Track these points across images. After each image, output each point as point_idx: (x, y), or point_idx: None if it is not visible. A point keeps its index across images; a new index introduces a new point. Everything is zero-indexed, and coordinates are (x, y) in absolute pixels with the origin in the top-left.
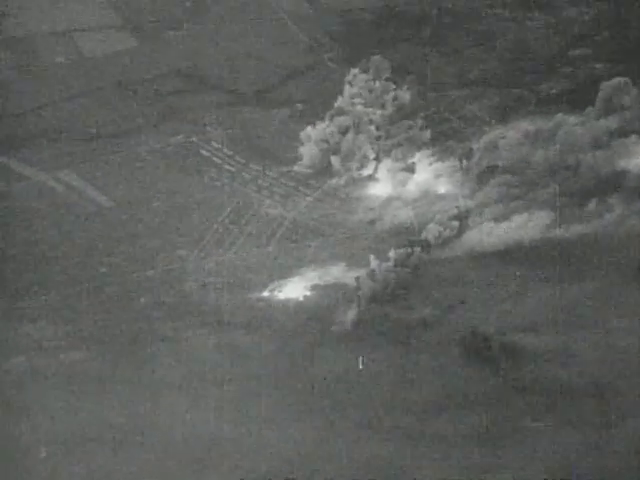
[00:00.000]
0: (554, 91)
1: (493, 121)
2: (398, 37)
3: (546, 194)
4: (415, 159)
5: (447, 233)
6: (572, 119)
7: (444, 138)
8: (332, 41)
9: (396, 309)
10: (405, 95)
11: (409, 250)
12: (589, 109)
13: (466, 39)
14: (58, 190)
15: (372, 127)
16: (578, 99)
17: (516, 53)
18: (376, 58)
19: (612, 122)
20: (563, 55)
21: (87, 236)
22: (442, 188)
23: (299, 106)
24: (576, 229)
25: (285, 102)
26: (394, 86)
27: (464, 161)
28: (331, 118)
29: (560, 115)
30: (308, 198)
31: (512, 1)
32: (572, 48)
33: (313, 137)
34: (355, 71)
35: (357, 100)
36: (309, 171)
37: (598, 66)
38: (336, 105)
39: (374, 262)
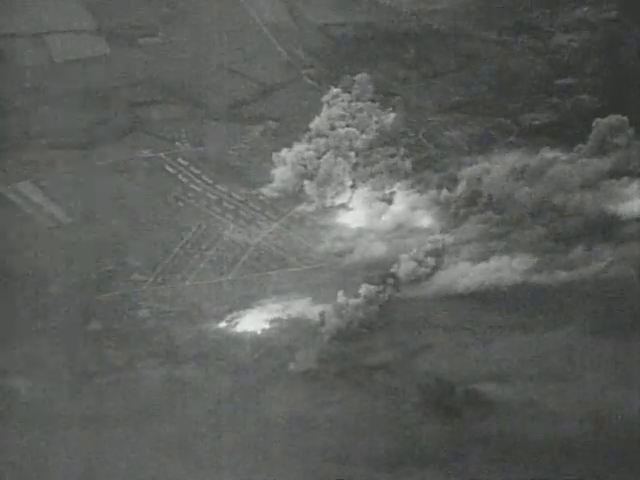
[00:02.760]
0: (537, 122)
1: (473, 151)
2: (380, 56)
3: (529, 236)
4: (394, 189)
5: (422, 270)
6: (561, 156)
7: (421, 167)
8: (311, 57)
9: (358, 350)
10: (388, 119)
11: (380, 287)
12: (579, 146)
13: (450, 61)
14: (15, 202)
15: (352, 153)
16: (562, 132)
17: (500, 79)
18: (361, 76)
19: (606, 163)
20: (549, 84)
21: (41, 254)
22: (418, 221)
23: (272, 124)
24: (559, 276)
25: (258, 119)
26: (378, 109)
27: (444, 192)
28: (309, 140)
29: (546, 149)
30: (274, 224)
31: (500, 24)
32: (558, 77)
33: (289, 159)
34: (336, 90)
35: (337, 122)
36: (277, 195)
37: (584, 97)
38: (313, 126)
39: (342, 297)
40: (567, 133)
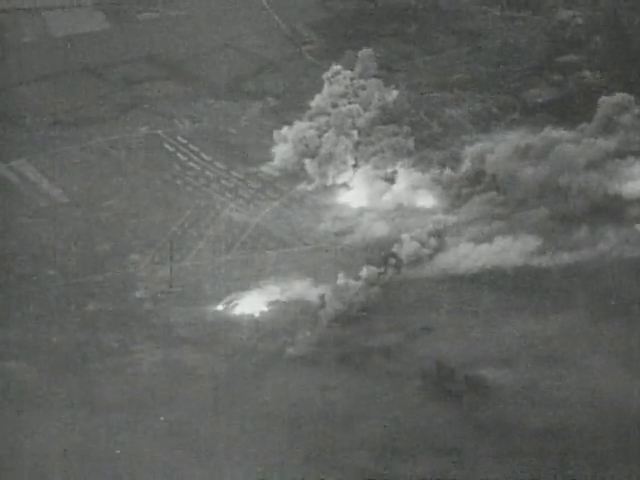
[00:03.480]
0: (540, 100)
1: (475, 129)
2: (381, 32)
3: (533, 217)
4: (396, 168)
5: (423, 251)
6: (565, 135)
7: (422, 146)
8: (312, 32)
9: (358, 333)
10: (390, 96)
11: (382, 268)
12: (583, 125)
13: (452, 37)
14: (11, 181)
15: (354, 131)
16: (565, 110)
17: (503, 56)
18: (365, 52)
19: (611, 142)
20: (552, 61)
21: (37, 233)
22: (420, 201)
23: (272, 101)
24: (562, 258)
25: (258, 95)
26: (382, 85)
27: (446, 172)
28: (311, 118)
29: (549, 128)
30: (274, 203)
31: (503, 0)
32: (562, 54)
33: (290, 137)
34: (337, 67)
35: (339, 100)
36: (277, 174)
37: (588, 74)
38: (314, 104)
39: (342, 279)
40: (570, 111)
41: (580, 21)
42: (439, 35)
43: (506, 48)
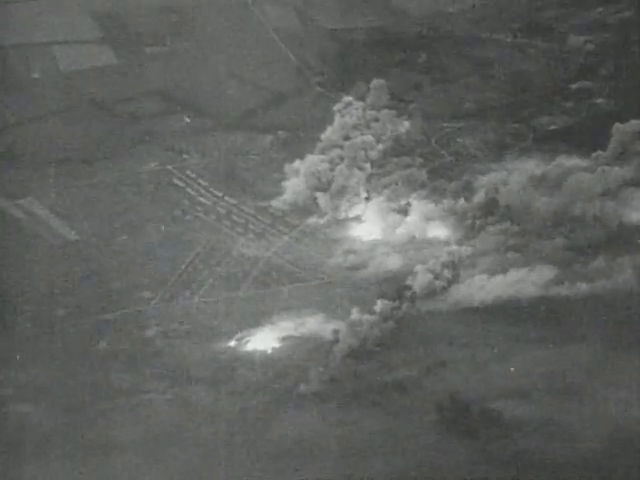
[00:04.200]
0: (553, 127)
1: (487, 158)
2: (391, 61)
3: (548, 247)
4: (410, 200)
5: (438, 284)
6: (580, 163)
7: (434, 176)
8: (322, 63)
9: (372, 368)
10: (402, 127)
11: (396, 302)
12: (598, 152)
13: (462, 66)
14: (20, 219)
15: (367, 164)
16: (579, 138)
17: (514, 83)
18: (377, 82)
19: (626, 170)
20: (564, 88)
21: (48, 272)
22: (434, 232)
23: (282, 134)
24: (579, 288)
25: (268, 129)
26: (394, 116)
27: (461, 202)
28: (322, 151)
29: (563, 156)
30: (285, 237)
31: (514, 26)
32: (574, 80)
33: (302, 171)
34: (348, 98)
35: (351, 132)
36: (288, 208)
37: (601, 101)
38: (325, 136)
39: (356, 314)
40: (584, 138)
41: (591, 47)
42: (450, 64)
43: (517, 76)
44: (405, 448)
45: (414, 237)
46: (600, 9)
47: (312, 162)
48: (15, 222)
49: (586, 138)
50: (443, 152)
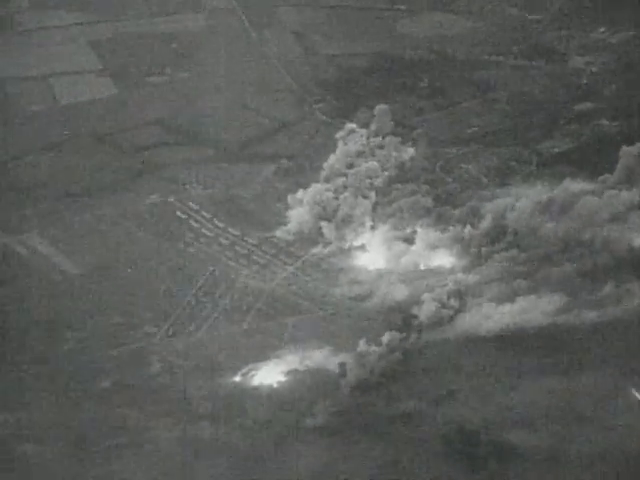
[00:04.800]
0: (557, 150)
1: (492, 184)
2: (393, 87)
3: (557, 274)
4: (416, 228)
5: (444, 313)
6: (587, 187)
7: (439, 203)
8: (323, 90)
9: (379, 400)
10: (406, 154)
11: (404, 334)
12: (605, 176)
13: (465, 90)
14: (23, 255)
15: (372, 192)
16: (583, 160)
17: (517, 107)
18: (380, 108)
19: (634, 194)
20: (567, 110)
21: (51, 308)
22: (440, 261)
23: (284, 163)
24: (588, 316)
25: (270, 158)
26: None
27: (467, 229)
28: (326, 179)
29: (568, 180)
30: (289, 268)
31: (515, 49)
32: (577, 102)
33: (306, 200)
34: (351, 126)
35: (355, 160)
36: (292, 238)
37: (604, 123)
38: (327, 164)
39: (363, 346)
40: (589, 161)
41: (594, 68)
42: (452, 88)
43: (520, 98)
44: None
45: (420, 266)
46: (602, 30)
47: (317, 191)
48: (18, 258)
49: (591, 161)
50: (447, 178)
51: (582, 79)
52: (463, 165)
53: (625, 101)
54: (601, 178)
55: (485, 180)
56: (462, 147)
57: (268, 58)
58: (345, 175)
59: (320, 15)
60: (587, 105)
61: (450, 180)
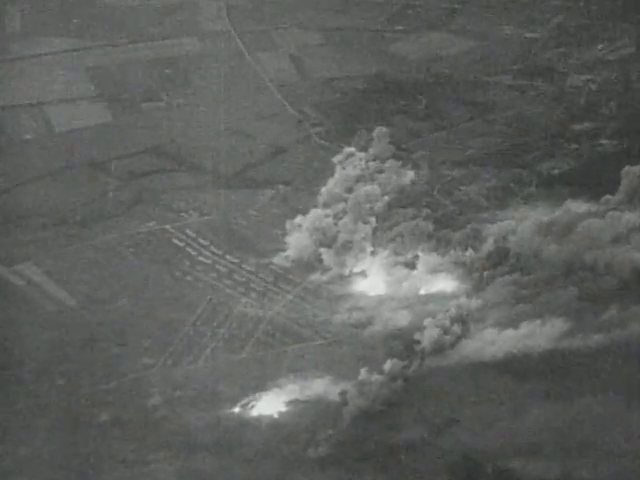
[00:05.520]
0: (557, 171)
1: (491, 206)
2: (390, 109)
3: (561, 298)
4: (417, 253)
5: (447, 339)
6: (589, 209)
7: (438, 226)
8: (319, 113)
9: (381, 429)
10: (406, 177)
11: (406, 361)
12: (607, 197)
13: (463, 110)
14: (16, 285)
15: (373, 218)
16: (584, 181)
17: (516, 127)
18: (379, 130)
19: (637, 215)
20: (567, 129)
21: (44, 341)
22: (441, 285)
23: (282, 188)
24: (593, 340)
25: (267, 183)
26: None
27: (468, 253)
28: (325, 205)
29: (569, 202)
30: (287, 296)
31: (513, 68)
32: (576, 121)
33: (305, 226)
34: (349, 150)
35: (354, 184)
36: (290, 264)
37: (604, 142)
38: (325, 189)
39: (365, 374)
40: (590, 182)
41: (593, 86)
42: (450, 109)
43: (519, 118)
44: None
45: (422, 291)
46: (600, 46)
47: (316, 217)
48: (12, 290)
49: (592, 181)
50: (446, 202)
51: (581, 98)
52: (462, 187)
53: (625, 119)
54: (603, 199)
55: (485, 202)
56: (461, 169)
57: (264, 82)
58: (344, 200)
59: (315, 37)
60: (587, 125)
61: (449, 203)
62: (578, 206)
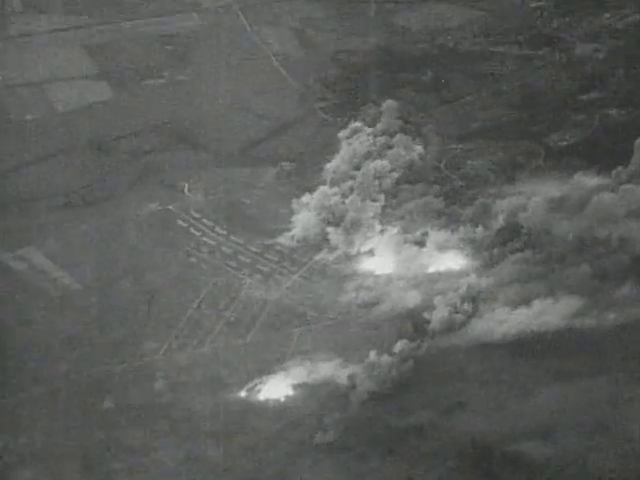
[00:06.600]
0: (565, 143)
1: (499, 181)
2: (395, 82)
3: (573, 275)
4: (426, 230)
5: (457, 318)
6: (600, 182)
7: (447, 202)
8: (324, 88)
9: (389, 412)
10: (415, 153)
11: (417, 342)
12: (618, 169)
13: (469, 82)
14: (19, 271)
15: (381, 195)
16: (593, 152)
17: (523, 98)
18: (388, 104)
19: None
20: (574, 100)
21: (48, 326)
22: (451, 263)
23: (287, 165)
24: (607, 318)
25: (272, 160)
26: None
27: (479, 230)
28: (333, 182)
29: (578, 175)
30: (293, 276)
31: (519, 38)
32: (584, 91)
33: (312, 204)
34: (356, 125)
35: (362, 160)
36: (296, 244)
37: (612, 112)
38: (331, 165)
39: (373, 356)
40: (599, 153)
41: (601, 55)
42: (456, 81)
43: (525, 89)
44: None
45: (430, 269)
46: (607, 15)
47: (323, 195)
48: (15, 275)
49: (601, 153)
50: (453, 176)
51: (588, 67)
52: (469, 161)
53: (633, 89)
54: (615, 172)
55: (493, 177)
56: (468, 142)
57: (268, 57)
58: (351, 177)
59: (318, 10)
60: (594, 94)
61: (456, 178)
62: (589, 179)
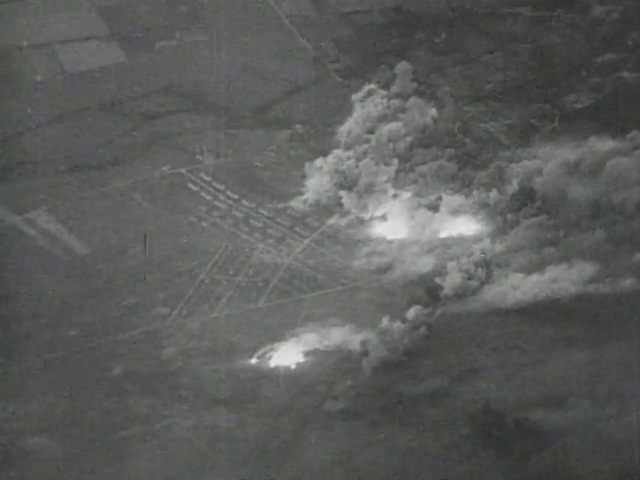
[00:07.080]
0: (580, 106)
1: (513, 144)
2: (409, 43)
3: (588, 241)
4: (440, 194)
5: (470, 284)
6: (615, 146)
7: (460, 166)
8: (338, 50)
9: (401, 379)
10: (428, 116)
11: (429, 308)
12: (633, 133)
13: (483, 43)
14: (29, 235)
15: (395, 159)
16: (608, 116)
17: (537, 60)
18: (402, 66)
19: None
20: (589, 62)
21: (58, 291)
22: (464, 228)
23: (299, 128)
24: (622, 284)
25: (284, 123)
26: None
27: (493, 194)
28: (347, 145)
29: (593, 138)
30: (305, 241)
31: None
32: (599, 53)
33: (326, 168)
34: (370, 87)
35: (376, 123)
36: (307, 208)
37: (626, 75)
38: (344, 128)
39: (386, 322)
40: (614, 117)
41: (616, 16)
42: (470, 42)
43: (539, 51)
44: (437, 465)
45: (443, 234)
46: None
47: (337, 158)
48: (23, 237)
49: (616, 116)
50: (466, 139)
51: (603, 28)
52: (482, 124)
53: None
54: (629, 136)
55: (506, 140)
56: (481, 105)
57: (279, 18)
58: (365, 140)
59: None
60: (609, 56)
61: (469, 141)
62: (603, 143)
